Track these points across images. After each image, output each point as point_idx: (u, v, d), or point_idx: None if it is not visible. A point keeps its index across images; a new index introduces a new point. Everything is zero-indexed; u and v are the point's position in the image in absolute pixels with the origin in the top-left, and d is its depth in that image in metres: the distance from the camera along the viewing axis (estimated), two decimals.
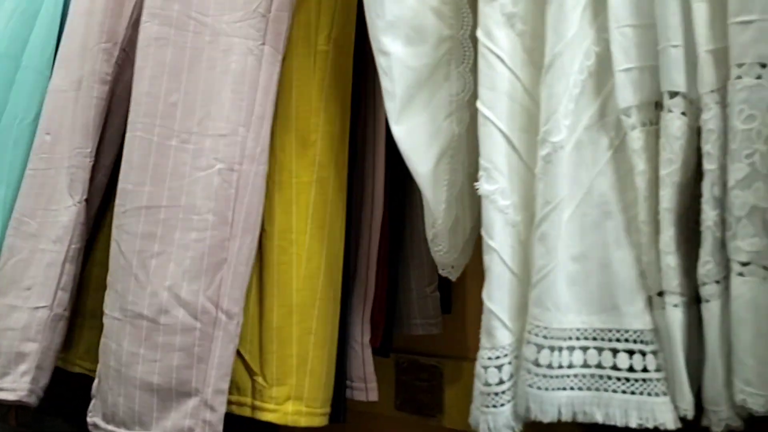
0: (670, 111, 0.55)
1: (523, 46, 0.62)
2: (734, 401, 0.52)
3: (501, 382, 0.60)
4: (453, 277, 0.76)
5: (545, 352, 0.58)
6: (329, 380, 0.79)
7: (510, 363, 0.60)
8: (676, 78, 0.55)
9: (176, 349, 0.69)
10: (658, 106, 0.58)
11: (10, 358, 0.77)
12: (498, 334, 0.60)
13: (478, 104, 0.61)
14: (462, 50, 0.69)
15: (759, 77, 0.50)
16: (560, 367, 0.58)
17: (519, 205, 0.61)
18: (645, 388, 0.57)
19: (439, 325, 0.99)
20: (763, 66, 0.50)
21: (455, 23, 0.69)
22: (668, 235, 0.55)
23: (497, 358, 0.60)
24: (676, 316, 0.55)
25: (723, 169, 0.52)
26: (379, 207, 0.87)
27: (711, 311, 0.53)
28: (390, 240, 0.91)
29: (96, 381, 0.75)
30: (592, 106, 0.60)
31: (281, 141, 0.78)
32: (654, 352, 0.57)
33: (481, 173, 0.61)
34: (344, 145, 0.81)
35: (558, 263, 0.58)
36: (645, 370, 0.57)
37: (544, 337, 0.58)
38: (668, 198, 0.55)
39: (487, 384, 0.60)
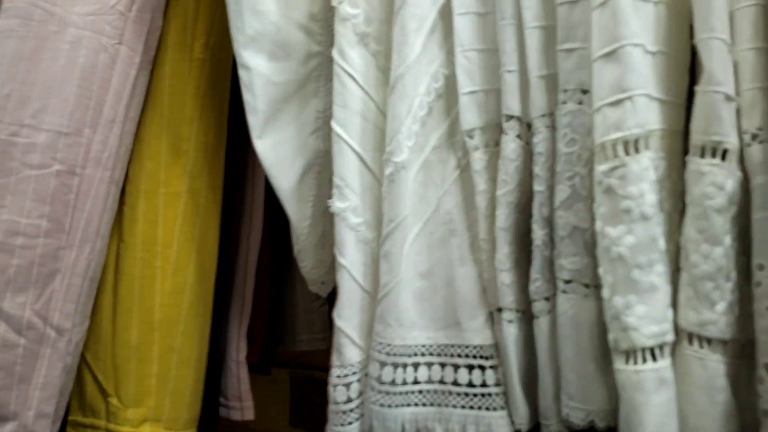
0: (506, 134, 0.58)
1: (377, 66, 0.64)
2: (561, 416, 0.54)
3: (349, 400, 0.61)
4: (323, 293, 0.77)
5: (388, 368, 0.59)
6: (195, 400, 0.78)
7: (359, 381, 0.62)
8: (510, 102, 0.57)
9: None
10: (499, 128, 0.60)
11: None
12: (346, 351, 0.61)
13: (332, 122, 0.63)
14: (332, 67, 0.70)
15: (580, 102, 0.53)
16: (404, 383, 0.60)
17: (372, 223, 0.63)
18: (483, 403, 0.59)
19: (327, 340, 0.98)
20: (584, 92, 0.53)
21: (325, 40, 0.70)
22: (503, 253, 0.57)
23: (345, 376, 0.61)
24: (510, 332, 0.57)
25: (551, 191, 0.55)
26: (259, 219, 0.87)
27: (540, 327, 0.56)
28: (274, 254, 0.91)
29: None
30: (441, 127, 0.62)
31: (150, 149, 0.76)
32: (493, 367, 0.59)
33: (333, 191, 0.63)
34: (220, 155, 0.80)
35: (401, 280, 0.60)
36: (484, 384, 0.59)
37: (387, 353, 0.60)
38: (503, 218, 0.57)
39: (336, 402, 0.61)
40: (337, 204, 0.62)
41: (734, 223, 0.50)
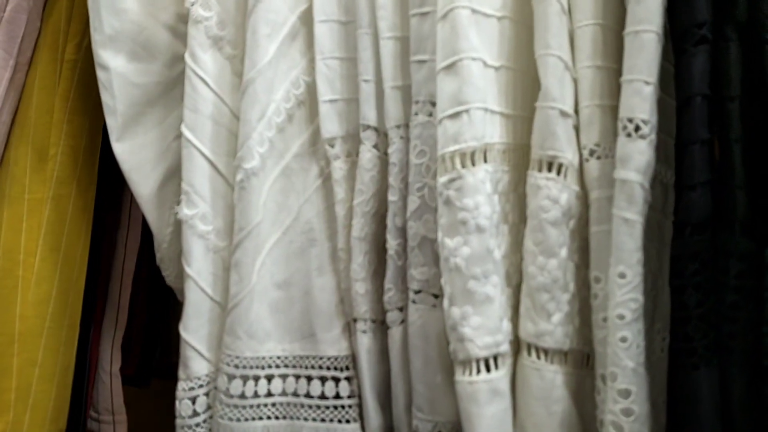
0: (363, 143, 0.59)
1: (232, 70, 0.63)
2: (411, 427, 0.55)
3: (195, 414, 0.61)
4: None
5: (236, 381, 0.59)
6: (60, 414, 0.75)
7: (206, 394, 0.61)
8: (367, 112, 0.59)
9: None
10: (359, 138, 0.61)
11: None
12: (192, 364, 0.61)
13: (182, 127, 0.62)
14: None
15: (430, 114, 0.55)
16: (256, 396, 0.60)
17: (224, 231, 0.62)
18: (336, 415, 0.60)
19: None
20: (434, 104, 0.54)
21: None
22: (357, 262, 0.58)
23: (191, 389, 0.61)
24: (363, 342, 0.59)
25: (404, 201, 0.56)
26: (137, 225, 0.86)
27: (393, 338, 0.57)
28: (155, 262, 0.90)
29: None
30: (303, 135, 0.63)
31: (16, 153, 0.74)
32: (348, 379, 0.60)
33: (182, 197, 0.62)
34: (92, 160, 0.79)
35: (252, 291, 0.60)
36: (337, 396, 0.60)
37: (236, 366, 0.59)
38: (359, 227, 0.58)
39: (181, 416, 0.60)
40: (184, 211, 0.61)
41: (573, 236, 0.52)
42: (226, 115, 0.63)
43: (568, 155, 0.51)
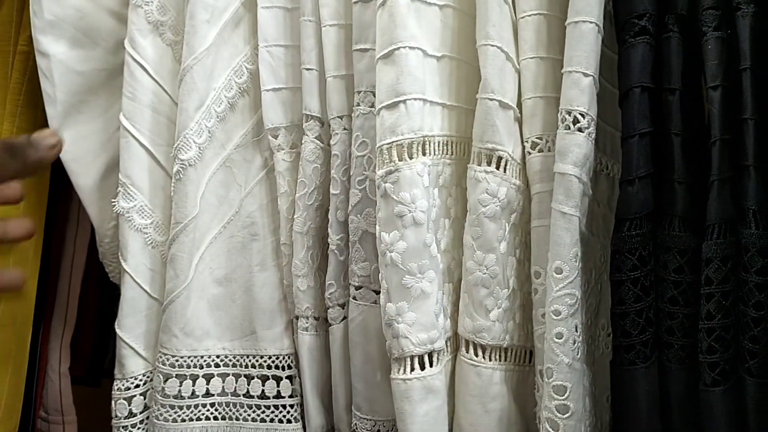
0: (305, 134, 0.58)
1: (174, 57, 0.62)
2: (351, 427, 0.55)
3: (131, 414, 0.60)
4: None
5: (172, 381, 0.58)
6: (12, 414, 0.74)
7: (143, 394, 0.60)
8: (309, 101, 0.58)
9: None
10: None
11: None
12: (128, 363, 0.60)
13: (120, 115, 0.61)
14: None
15: (372, 105, 0.54)
16: (193, 396, 0.59)
17: (164, 225, 0.61)
18: (276, 415, 0.59)
19: None
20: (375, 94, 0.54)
21: None
22: (299, 258, 0.58)
23: (127, 389, 0.60)
24: (305, 340, 0.59)
25: (346, 194, 0.56)
26: (88, 220, 0.85)
27: (334, 335, 0.57)
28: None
29: None
30: (246, 125, 0.62)
31: None
32: (290, 378, 0.60)
33: (119, 189, 0.60)
34: None
35: (189, 287, 0.59)
36: (278, 396, 0.59)
37: (171, 365, 0.59)
38: (301, 221, 0.58)
39: (117, 417, 0.59)
40: (121, 204, 0.60)
41: (515, 230, 0.52)
42: (166, 104, 0.61)
43: (508, 148, 0.51)
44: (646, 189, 0.49)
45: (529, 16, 0.52)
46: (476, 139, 0.52)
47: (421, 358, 0.49)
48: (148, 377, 0.60)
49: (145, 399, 0.60)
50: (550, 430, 0.48)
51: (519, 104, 0.53)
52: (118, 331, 0.60)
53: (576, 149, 0.49)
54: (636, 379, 0.48)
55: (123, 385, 0.60)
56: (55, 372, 0.84)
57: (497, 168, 0.51)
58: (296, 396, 0.59)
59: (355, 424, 0.55)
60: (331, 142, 0.57)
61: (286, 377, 0.59)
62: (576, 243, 0.48)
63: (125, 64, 0.61)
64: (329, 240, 0.57)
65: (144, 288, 0.60)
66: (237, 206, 0.61)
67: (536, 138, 0.52)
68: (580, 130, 0.49)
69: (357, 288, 0.55)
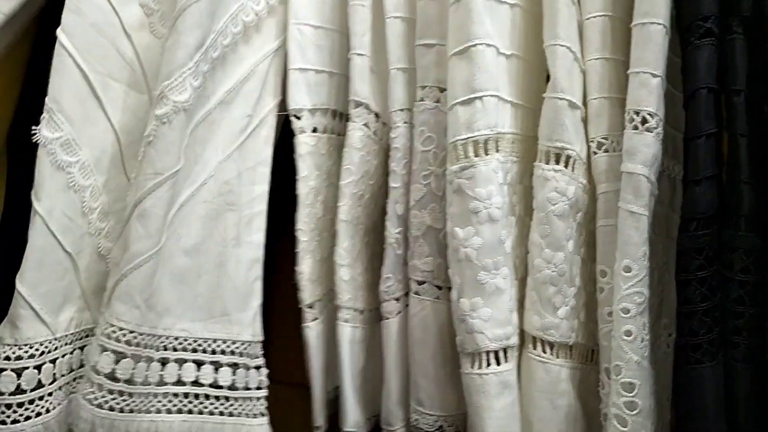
0: (353, 121, 0.58)
1: None
2: (408, 421, 0.55)
3: (20, 391, 0.50)
4: None
5: (127, 362, 0.51)
6: None
7: (38, 368, 0.51)
8: (359, 88, 0.58)
9: None
10: (339, 115, 0.61)
11: None
12: (25, 326, 0.50)
13: (59, 30, 0.53)
14: None
15: (437, 101, 0.55)
16: (146, 383, 0.52)
17: (90, 166, 0.54)
18: (244, 409, 0.56)
19: None
20: (442, 90, 0.55)
21: None
22: (343, 247, 0.58)
23: (18, 358, 0.50)
24: (345, 332, 0.58)
25: (407, 188, 0.56)
26: None
27: (389, 329, 0.57)
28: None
29: None
30: (231, 80, 0.57)
31: None
32: (258, 368, 0.57)
33: (44, 115, 0.52)
34: None
35: (160, 252, 0.52)
36: (248, 387, 0.56)
37: (128, 342, 0.51)
38: (346, 209, 0.57)
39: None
40: (44, 133, 0.51)
41: (580, 230, 0.54)
42: (114, 27, 0.55)
43: (576, 147, 0.52)
44: (712, 189, 0.51)
45: (594, 17, 0.54)
46: (544, 137, 0.53)
47: (495, 353, 0.50)
48: (50, 347, 0.52)
49: (39, 374, 0.51)
50: (618, 426, 0.49)
51: (584, 104, 0.54)
52: (18, 285, 0.51)
53: (644, 149, 0.50)
54: (703, 377, 0.50)
55: (12, 352, 0.50)
56: None
57: (566, 166, 0.52)
58: (263, 389, 0.56)
59: (416, 419, 0.55)
60: (392, 135, 0.58)
61: (255, 367, 0.56)
62: (645, 242, 0.50)
63: None
64: (386, 233, 0.57)
65: (57, 237, 0.52)
66: (213, 169, 0.56)
67: (602, 138, 0.53)
68: (648, 130, 0.50)
69: (419, 283, 0.56)
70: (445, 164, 0.54)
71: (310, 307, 0.58)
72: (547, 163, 0.52)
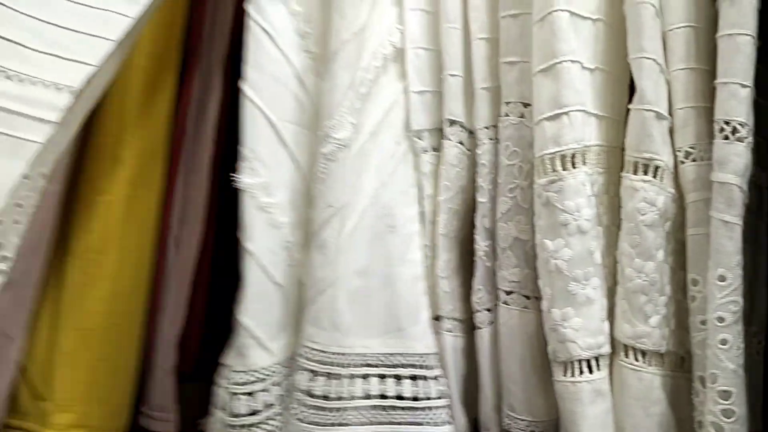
0: (448, 139, 0.61)
1: (296, 29, 0.62)
2: (502, 426, 0.57)
3: (253, 412, 0.58)
4: None
5: (321, 379, 0.57)
6: (124, 409, 0.79)
7: (266, 390, 0.58)
8: (454, 107, 0.61)
9: None
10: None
11: None
12: (252, 354, 0.58)
13: (244, 85, 0.60)
14: None
15: (522, 116, 0.57)
16: (340, 398, 0.58)
17: (285, 205, 0.60)
18: (430, 418, 0.59)
19: None
20: (526, 105, 0.57)
21: None
22: (443, 260, 0.60)
23: (249, 383, 0.58)
24: (449, 341, 0.60)
25: (493, 202, 0.58)
26: (198, 226, 0.88)
27: (482, 338, 0.59)
28: (215, 259, 0.92)
29: None
30: (378, 111, 0.61)
31: (90, 156, 0.77)
32: (436, 378, 0.60)
33: (242, 164, 0.59)
34: (161, 161, 0.82)
35: (339, 277, 0.58)
36: (429, 397, 0.59)
37: (321, 362, 0.57)
38: (445, 224, 0.60)
39: (235, 414, 0.58)
40: (245, 180, 0.59)
41: (669, 239, 0.55)
42: (290, 77, 0.61)
43: (664, 158, 0.53)
44: None
45: (678, 28, 0.55)
46: (631, 148, 0.54)
47: (588, 362, 0.52)
48: (271, 372, 0.59)
49: (267, 396, 0.58)
50: None
51: (669, 114, 0.55)
52: (242, 318, 0.58)
53: (735, 159, 0.50)
54: None
55: (243, 378, 0.57)
56: (160, 368, 0.88)
57: (654, 177, 0.53)
58: (445, 397, 0.59)
59: (508, 423, 0.57)
60: (478, 152, 0.60)
61: (433, 377, 0.59)
62: (738, 251, 0.50)
63: (248, 30, 0.60)
64: (476, 246, 0.59)
65: (269, 272, 0.59)
66: (371, 195, 0.60)
67: (689, 147, 0.54)
68: (739, 140, 0.51)
69: (508, 293, 0.57)
70: (530, 177, 0.56)
71: (437, 319, 0.60)
72: (635, 173, 0.53)
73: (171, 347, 0.85)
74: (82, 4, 0.58)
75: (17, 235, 0.55)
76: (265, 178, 0.59)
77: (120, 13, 0.59)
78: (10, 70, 0.55)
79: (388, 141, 0.62)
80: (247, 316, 0.58)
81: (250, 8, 0.60)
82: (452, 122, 0.61)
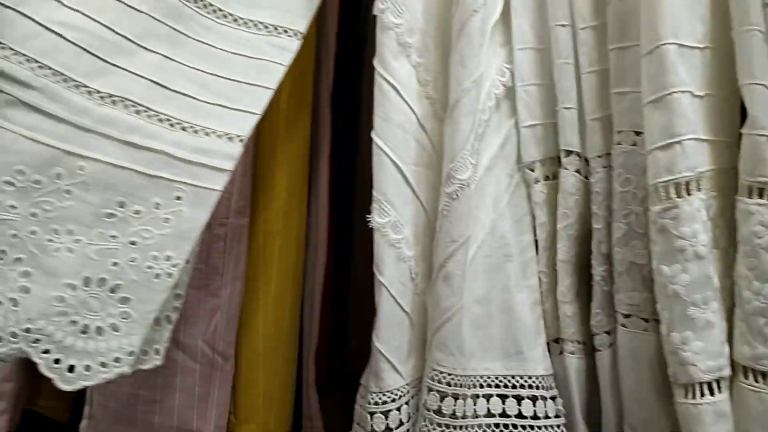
0: (566, 168, 0.64)
1: (417, 79, 0.67)
2: None
3: (388, 429, 0.64)
4: None
5: (449, 400, 0.63)
6: (290, 419, 0.88)
7: (398, 409, 0.64)
8: (570, 138, 0.64)
9: (176, 389, 0.77)
10: (557, 161, 0.67)
11: None
12: (386, 377, 0.64)
13: (373, 134, 0.66)
14: None
15: (634, 144, 0.59)
16: (464, 417, 0.63)
17: (411, 240, 0.66)
18: None
19: None
20: (638, 133, 0.59)
21: None
22: (564, 285, 0.63)
23: (384, 403, 0.64)
24: (572, 363, 0.64)
25: (609, 228, 0.61)
26: (323, 249, 0.96)
27: (602, 360, 0.62)
28: (335, 279, 1.00)
29: (85, 422, 0.81)
30: (492, 148, 0.67)
31: (254, 193, 0.85)
32: (554, 398, 0.64)
33: (373, 205, 0.64)
34: (304, 194, 0.90)
35: (462, 305, 0.63)
36: (547, 416, 0.63)
37: (448, 384, 0.63)
38: (565, 250, 0.63)
39: (373, 431, 0.64)
40: (376, 219, 0.64)
41: None
42: (413, 124, 0.66)
43: None
44: None
45: None
46: (745, 173, 0.55)
47: (709, 384, 0.53)
48: (403, 392, 0.64)
49: (400, 414, 0.64)
50: None
51: None
52: (377, 344, 0.64)
53: None
54: None
55: (380, 398, 0.63)
56: (304, 381, 0.95)
57: None
58: (561, 417, 0.63)
59: None
60: (592, 180, 0.63)
61: (551, 398, 0.63)
62: None
63: (376, 84, 0.66)
64: (593, 271, 0.62)
65: (398, 301, 0.64)
66: (489, 227, 0.65)
67: None
68: None
69: (626, 316, 0.60)
70: (644, 203, 0.58)
71: (557, 341, 0.64)
72: (750, 197, 0.54)
73: (311, 362, 0.93)
74: (241, 55, 0.64)
75: (188, 274, 0.62)
76: (394, 217, 0.64)
77: (275, 62, 0.65)
78: (185, 121, 0.60)
79: (502, 174, 0.66)
80: (381, 342, 0.64)
81: (376, 64, 0.66)
82: (568, 152, 0.64)
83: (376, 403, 0.63)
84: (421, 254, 0.66)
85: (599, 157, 0.62)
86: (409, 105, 0.65)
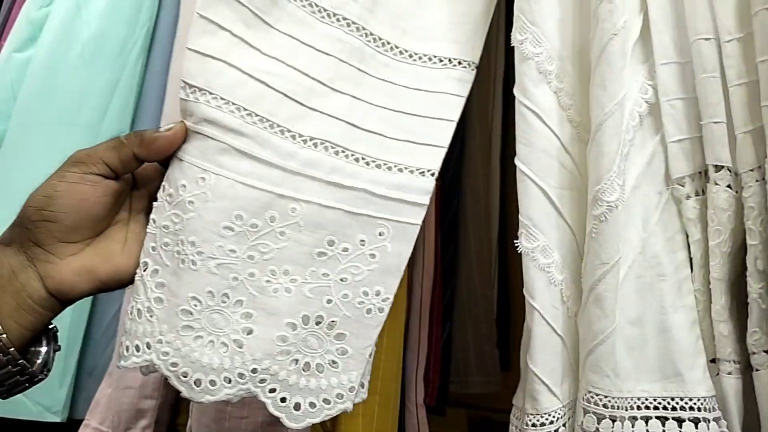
0: (716, 183, 0.63)
1: (559, 103, 0.67)
2: None
3: None
4: None
5: (606, 422, 0.62)
6: None
7: (557, 431, 0.64)
8: (720, 152, 0.63)
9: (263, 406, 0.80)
10: (705, 175, 0.66)
11: (131, 414, 0.88)
12: (543, 399, 0.64)
13: (516, 161, 0.66)
14: None
15: None
16: None
17: (560, 264, 0.66)
18: None
19: (498, 383, 1.06)
20: None
21: None
22: (720, 304, 0.63)
23: (542, 425, 0.64)
24: (730, 384, 0.63)
25: (765, 244, 0.60)
26: (431, 265, 0.96)
27: (761, 380, 0.61)
28: (444, 296, 1.00)
29: None
30: (638, 167, 0.66)
31: None
32: (716, 420, 0.62)
33: (520, 230, 0.65)
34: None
35: (615, 328, 0.63)
36: None
37: (604, 406, 0.63)
38: (718, 268, 0.63)
39: None
40: (525, 244, 0.64)
41: None
42: (556, 148, 0.66)
43: None
44: None
45: None
46: None
47: None
48: (560, 414, 0.65)
49: None
50: None
51: None
52: (532, 367, 0.64)
53: None
54: None
55: (537, 420, 0.64)
56: (412, 403, 0.96)
57: None
58: None
59: None
60: (744, 195, 0.62)
61: (713, 419, 0.62)
62: None
63: (518, 112, 0.66)
64: (749, 288, 0.61)
65: (551, 325, 0.65)
66: (639, 247, 0.65)
67: None
68: None
69: None
70: None
71: (713, 361, 0.63)
72: None
73: (419, 381, 0.93)
74: (421, 90, 0.66)
75: None
76: (542, 242, 0.65)
77: (455, 94, 0.67)
78: (379, 159, 0.63)
79: (650, 192, 0.66)
80: (536, 364, 0.64)
81: (517, 92, 0.66)
82: (718, 167, 0.63)
83: (534, 425, 0.64)
84: (571, 277, 0.66)
85: (751, 170, 0.61)
86: (551, 130, 0.66)
